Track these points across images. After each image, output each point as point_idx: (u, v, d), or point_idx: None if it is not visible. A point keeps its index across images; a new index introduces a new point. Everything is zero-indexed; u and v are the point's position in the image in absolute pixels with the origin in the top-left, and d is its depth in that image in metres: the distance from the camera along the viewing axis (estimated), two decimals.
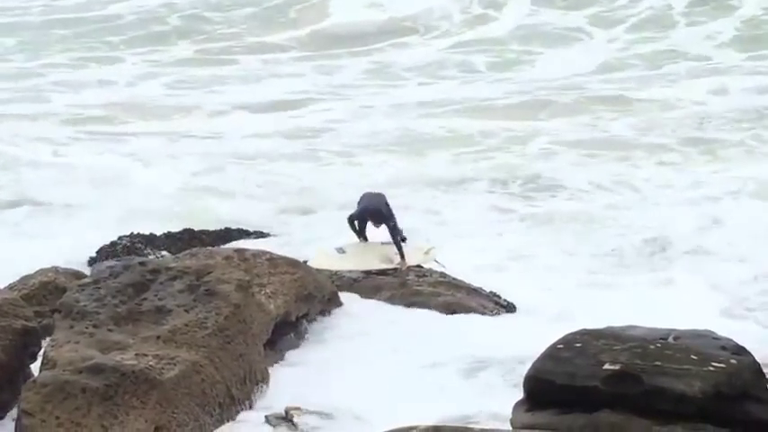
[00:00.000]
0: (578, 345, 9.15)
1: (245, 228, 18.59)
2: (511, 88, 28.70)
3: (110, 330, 11.64)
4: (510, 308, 15.41)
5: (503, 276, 16.57)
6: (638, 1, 34.53)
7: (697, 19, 33.21)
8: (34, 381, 10.81)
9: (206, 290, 12.15)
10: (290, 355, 13.28)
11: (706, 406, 8.68)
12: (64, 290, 12.86)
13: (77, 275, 13.97)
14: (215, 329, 11.73)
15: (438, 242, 16.99)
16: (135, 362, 10.93)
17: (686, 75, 29.31)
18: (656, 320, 9.99)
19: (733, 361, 8.98)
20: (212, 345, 11.59)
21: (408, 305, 14.80)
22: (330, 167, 23.08)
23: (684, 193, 20.84)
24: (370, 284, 15.41)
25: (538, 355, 9.28)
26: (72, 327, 11.69)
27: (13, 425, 10.90)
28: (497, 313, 15.08)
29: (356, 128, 25.93)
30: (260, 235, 18.42)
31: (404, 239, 16.00)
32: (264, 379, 12.23)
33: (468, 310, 14.79)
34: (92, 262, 16.72)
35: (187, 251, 14.55)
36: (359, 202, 16.16)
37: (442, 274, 15.91)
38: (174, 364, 11.10)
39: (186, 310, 11.92)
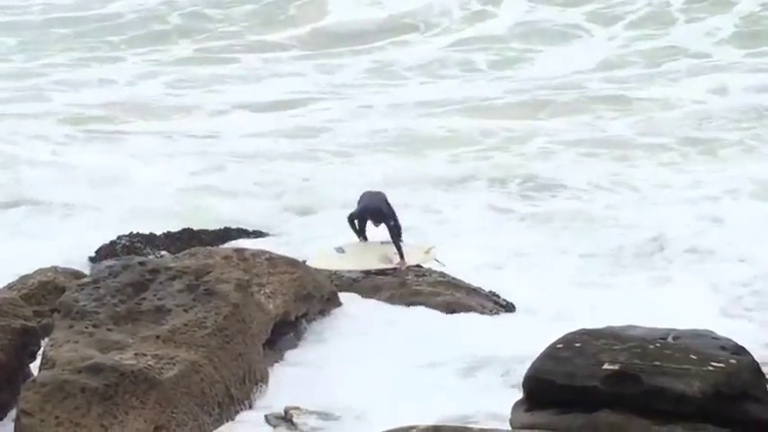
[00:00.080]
0: (578, 344, 9.15)
1: (244, 227, 18.60)
2: (511, 86, 28.69)
3: (109, 330, 11.64)
4: (509, 307, 15.42)
5: (502, 276, 16.57)
6: None
7: (696, 15, 33.21)
8: (33, 380, 10.81)
9: (205, 289, 12.16)
10: (290, 354, 13.28)
11: (705, 406, 8.68)
12: (63, 289, 12.86)
13: (77, 275, 13.97)
14: (214, 329, 11.73)
15: (437, 241, 16.99)
16: (134, 361, 10.93)
17: (687, 72, 29.31)
18: (656, 320, 10.00)
19: (732, 361, 8.98)
20: (211, 344, 11.60)
21: (408, 305, 14.80)
22: (330, 167, 23.07)
23: (683, 192, 20.84)
24: (370, 284, 15.41)
25: (537, 354, 9.27)
26: (71, 326, 11.69)
27: (12, 425, 10.89)
28: (497, 313, 15.08)
29: (356, 127, 25.92)
30: (259, 234, 18.43)
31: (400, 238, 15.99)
32: (264, 379, 12.23)
33: (467, 309, 14.79)
34: (91, 261, 16.72)
35: (186, 251, 14.55)
36: (359, 201, 16.16)
37: (442, 274, 15.91)
38: (174, 364, 11.10)
39: (185, 310, 11.92)
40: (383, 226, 15.81)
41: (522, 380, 9.43)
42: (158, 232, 17.83)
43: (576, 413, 8.89)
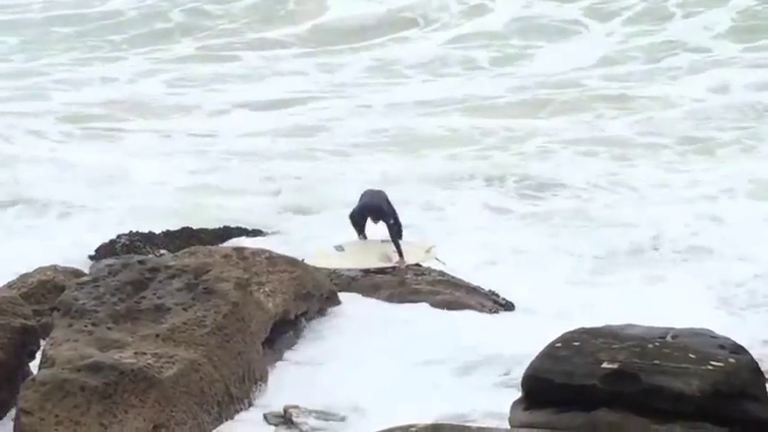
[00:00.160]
0: (576, 343, 9.15)
1: (243, 226, 18.61)
2: (512, 84, 28.71)
3: (108, 329, 11.65)
4: (508, 306, 15.43)
5: (501, 275, 16.57)
6: None
7: (692, 10, 33.23)
8: (33, 379, 10.81)
9: (205, 288, 12.16)
10: (289, 353, 13.29)
11: (704, 405, 8.68)
12: (63, 288, 12.86)
13: (76, 274, 13.97)
14: (214, 328, 11.74)
15: (436, 240, 17.00)
16: (134, 360, 10.94)
17: (687, 69, 29.32)
18: (654, 319, 10.00)
19: (731, 360, 8.98)
20: (211, 343, 11.60)
21: (407, 304, 14.79)
22: (330, 166, 23.07)
23: (681, 192, 20.86)
24: (369, 283, 15.42)
25: (536, 353, 9.28)
26: (71, 325, 11.70)
27: (12, 423, 10.90)
28: (496, 312, 15.10)
29: (356, 126, 25.94)
30: (259, 233, 18.44)
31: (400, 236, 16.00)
32: (263, 377, 12.24)
33: (466, 308, 14.80)
34: (91, 260, 16.73)
35: (186, 249, 14.55)
36: (360, 200, 16.19)
37: (441, 273, 15.92)
38: (173, 363, 11.11)
39: (185, 309, 11.93)
40: (384, 224, 15.82)
41: (520, 379, 9.44)
42: (158, 231, 17.84)
43: (574, 412, 8.90)
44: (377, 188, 16.66)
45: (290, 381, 12.43)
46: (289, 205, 20.23)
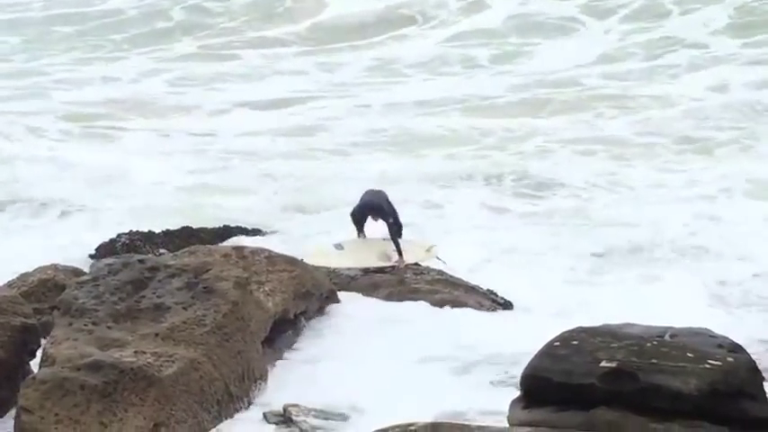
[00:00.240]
0: (575, 342, 9.17)
1: (243, 225, 18.62)
2: (512, 82, 28.73)
3: (108, 328, 11.67)
4: (507, 305, 15.44)
5: (499, 274, 16.59)
6: None
7: (689, 7, 33.26)
8: (33, 378, 10.83)
9: (204, 287, 12.18)
10: (288, 352, 13.31)
11: (702, 404, 8.70)
12: (63, 287, 12.88)
13: (76, 273, 13.99)
14: (213, 327, 11.75)
15: (435, 240, 17.01)
16: (133, 359, 10.96)
17: (687, 66, 29.34)
18: (653, 318, 10.02)
19: (729, 359, 8.99)
20: (210, 342, 11.62)
21: (406, 303, 14.81)
22: (329, 165, 23.08)
23: (680, 191, 20.89)
24: (368, 282, 15.44)
25: (535, 352, 9.30)
26: (71, 324, 11.71)
27: (12, 422, 10.92)
28: (494, 311, 15.11)
29: (356, 126, 25.95)
30: (258, 232, 18.46)
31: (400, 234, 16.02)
32: (263, 376, 12.26)
33: (465, 307, 14.81)
34: (91, 259, 16.74)
35: (186, 249, 14.55)
36: (361, 199, 16.21)
37: (440, 272, 15.94)
38: (173, 362, 11.12)
39: (185, 308, 11.95)
40: (384, 224, 15.84)
41: (519, 377, 9.47)
42: (158, 230, 17.86)
43: (573, 411, 8.91)
44: (377, 188, 16.67)
45: (290, 379, 12.44)
46: (288, 204, 20.25)
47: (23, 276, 13.99)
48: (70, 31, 34.23)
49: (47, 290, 13.60)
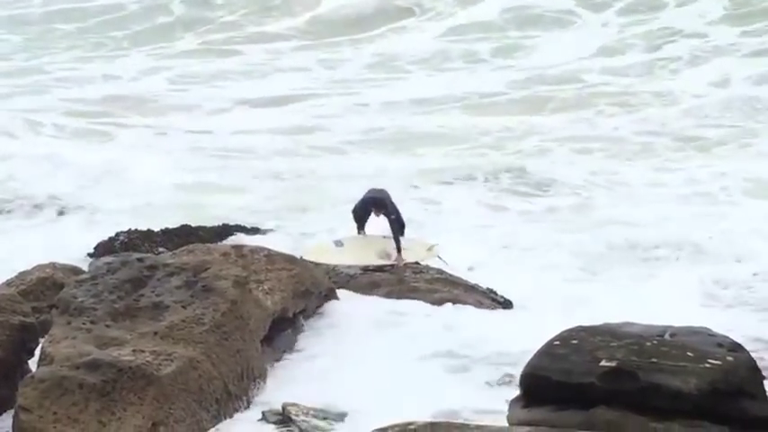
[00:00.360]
0: (575, 341, 9.16)
1: (242, 224, 18.62)
2: (513, 78, 28.78)
3: (107, 326, 11.65)
4: (506, 304, 15.44)
5: (499, 273, 16.60)
6: None
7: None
8: (32, 376, 10.81)
9: (203, 286, 12.16)
10: (288, 351, 13.29)
11: (702, 403, 8.69)
12: (62, 286, 12.87)
13: (75, 271, 13.97)
14: (212, 325, 11.73)
15: (434, 239, 17.00)
16: (132, 358, 10.94)
17: (688, 58, 29.38)
18: (652, 317, 10.01)
19: (729, 358, 8.98)
20: (209, 341, 11.60)
21: (405, 302, 14.80)
22: (329, 163, 23.10)
23: (678, 189, 20.90)
24: (367, 281, 15.43)
25: (534, 351, 9.29)
26: (69, 322, 11.70)
27: (11, 420, 10.90)
28: (494, 309, 15.09)
29: (356, 123, 25.96)
30: (257, 231, 18.45)
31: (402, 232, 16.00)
32: (261, 375, 12.24)
33: (464, 306, 14.80)
34: (90, 258, 16.73)
35: (184, 247, 14.55)
36: (363, 197, 16.20)
37: (439, 271, 15.93)
38: (172, 360, 11.10)
39: (183, 306, 11.93)
40: (385, 222, 15.83)
41: (519, 376, 9.46)
42: (157, 229, 17.85)
43: (573, 410, 8.90)
44: (379, 187, 16.66)
45: (289, 378, 12.43)
46: (287, 203, 20.25)
47: (22, 275, 13.97)
48: (71, 29, 34.24)
49: (45, 288, 13.57)
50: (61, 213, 19.74)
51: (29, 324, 12.00)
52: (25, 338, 11.95)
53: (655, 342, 9.08)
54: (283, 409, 11.56)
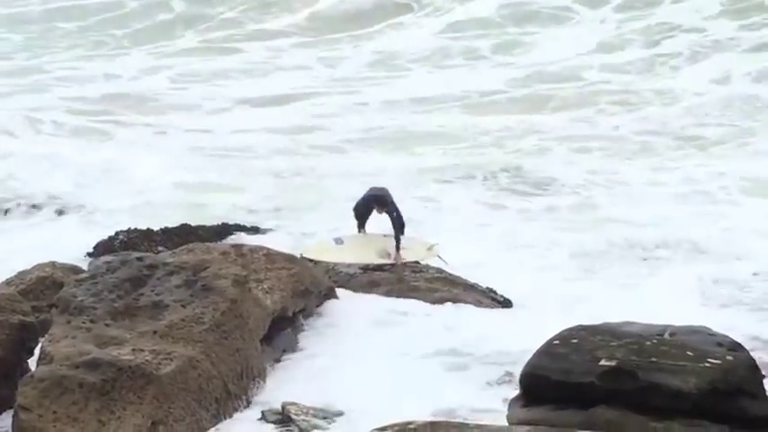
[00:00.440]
0: (574, 341, 9.16)
1: (242, 223, 18.62)
2: (514, 75, 28.77)
3: (107, 325, 11.65)
4: (506, 303, 15.44)
5: (498, 272, 16.60)
6: None
7: None
8: (31, 376, 10.81)
9: (203, 285, 12.16)
10: (287, 350, 13.29)
11: (701, 402, 8.69)
12: (61, 285, 12.86)
13: (75, 270, 13.96)
14: (212, 325, 11.73)
15: (434, 238, 17.00)
16: (132, 357, 10.93)
17: (689, 54, 29.35)
18: (651, 316, 10.02)
19: (729, 357, 8.98)
20: (209, 340, 11.60)
21: (405, 300, 14.80)
22: (329, 162, 23.09)
23: (677, 188, 20.90)
24: (367, 280, 15.43)
25: (534, 350, 9.29)
26: (69, 322, 11.69)
27: (10, 420, 10.89)
28: (493, 309, 15.09)
29: (355, 122, 25.96)
30: (257, 230, 18.45)
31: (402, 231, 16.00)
32: (261, 374, 12.24)
33: (464, 305, 14.79)
34: (89, 257, 16.73)
35: (184, 246, 14.55)
36: (364, 194, 16.21)
37: (439, 270, 15.93)
38: (171, 360, 11.10)
39: (183, 306, 11.92)
40: (385, 221, 15.82)
41: (518, 376, 9.46)
42: (156, 228, 17.85)
43: (572, 409, 8.91)
44: (380, 186, 16.67)
45: (288, 378, 12.43)
46: (287, 202, 20.24)
47: (22, 274, 13.96)
48: (72, 28, 34.23)
49: (45, 288, 13.56)
50: (61, 213, 19.74)
51: (28, 323, 11.99)
52: (25, 338, 11.94)
53: (654, 341, 9.08)
54: (283, 408, 11.55)
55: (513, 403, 9.39)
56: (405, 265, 15.79)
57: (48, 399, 10.45)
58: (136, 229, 17.76)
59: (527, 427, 8.84)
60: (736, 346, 9.30)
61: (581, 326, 9.43)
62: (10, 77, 29.71)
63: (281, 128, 25.64)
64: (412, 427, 8.63)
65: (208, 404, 11.28)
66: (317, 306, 14.21)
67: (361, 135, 25.05)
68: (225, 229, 18.16)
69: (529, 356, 9.33)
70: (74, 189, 20.55)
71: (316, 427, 11.31)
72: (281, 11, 34.73)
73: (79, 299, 11.94)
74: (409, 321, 13.93)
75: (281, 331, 13.41)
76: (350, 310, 14.29)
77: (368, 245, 16.00)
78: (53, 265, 14.19)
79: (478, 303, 15.01)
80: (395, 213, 15.81)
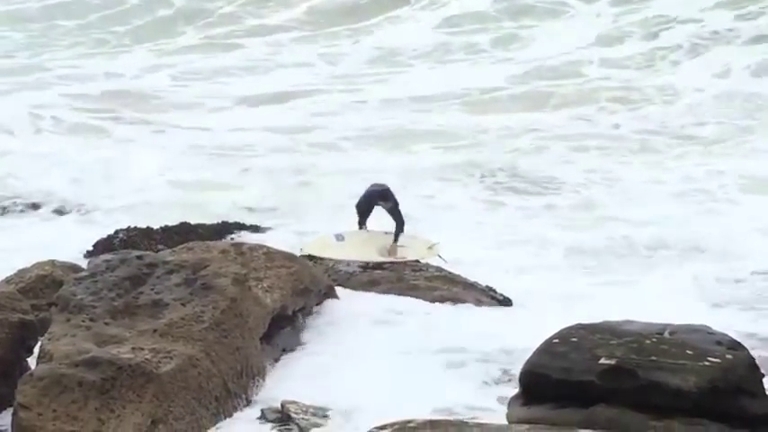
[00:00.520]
0: (574, 339, 9.17)
1: (241, 221, 18.61)
2: (514, 72, 28.74)
3: (106, 324, 11.64)
4: (506, 302, 15.44)
5: (498, 271, 16.60)
6: None
7: None
8: (31, 374, 10.81)
9: (202, 284, 12.15)
10: (287, 349, 13.29)
11: (701, 401, 8.70)
12: (61, 283, 12.85)
13: (74, 269, 13.94)
14: (211, 323, 11.73)
15: (434, 237, 17.00)
16: (131, 355, 10.93)
17: (688, 48, 29.31)
18: (651, 315, 10.02)
19: (728, 356, 8.99)
20: (209, 338, 11.59)
21: (404, 299, 14.80)
22: (329, 161, 23.08)
23: (676, 187, 20.91)
24: (367, 278, 15.42)
25: (534, 349, 9.29)
26: (69, 320, 11.69)
27: (10, 418, 10.89)
28: (493, 307, 15.09)
29: (355, 120, 25.95)
30: (257, 228, 18.45)
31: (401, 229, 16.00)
32: (261, 373, 12.24)
33: (464, 304, 14.79)
34: (89, 255, 16.72)
35: (184, 245, 14.53)
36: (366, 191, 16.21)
37: (439, 269, 15.92)
38: (171, 358, 11.10)
39: (183, 304, 11.92)
40: (387, 218, 15.83)
41: (518, 374, 9.46)
42: (156, 226, 17.83)
43: (572, 408, 8.91)
44: (381, 182, 16.66)
45: (288, 376, 12.42)
46: (286, 200, 20.23)
47: (21, 272, 13.94)
48: (72, 25, 34.19)
49: (44, 286, 13.54)
50: (60, 211, 19.73)
51: (28, 322, 11.99)
52: (24, 336, 11.93)
53: (654, 340, 9.08)
54: (282, 406, 11.55)
55: (512, 402, 9.39)
56: (405, 263, 15.79)
57: (47, 397, 10.44)
58: (135, 227, 17.74)
59: (527, 426, 8.85)
60: (735, 345, 9.31)
61: (580, 324, 9.44)
62: (11, 75, 29.69)
63: (281, 126, 25.62)
64: (411, 425, 8.64)
65: (207, 403, 11.28)
66: (317, 304, 14.20)
67: (360, 133, 25.03)
68: (224, 228, 18.15)
69: (528, 355, 9.33)
70: (73, 187, 20.54)
71: (315, 425, 11.31)
72: (279, 4, 34.75)
73: (79, 297, 11.94)
74: (409, 320, 13.92)
75: (281, 330, 13.40)
76: (349, 308, 14.28)
77: (369, 242, 15.99)
78: (53, 263, 14.16)
79: (478, 302, 15.01)
80: (397, 209, 15.83)
